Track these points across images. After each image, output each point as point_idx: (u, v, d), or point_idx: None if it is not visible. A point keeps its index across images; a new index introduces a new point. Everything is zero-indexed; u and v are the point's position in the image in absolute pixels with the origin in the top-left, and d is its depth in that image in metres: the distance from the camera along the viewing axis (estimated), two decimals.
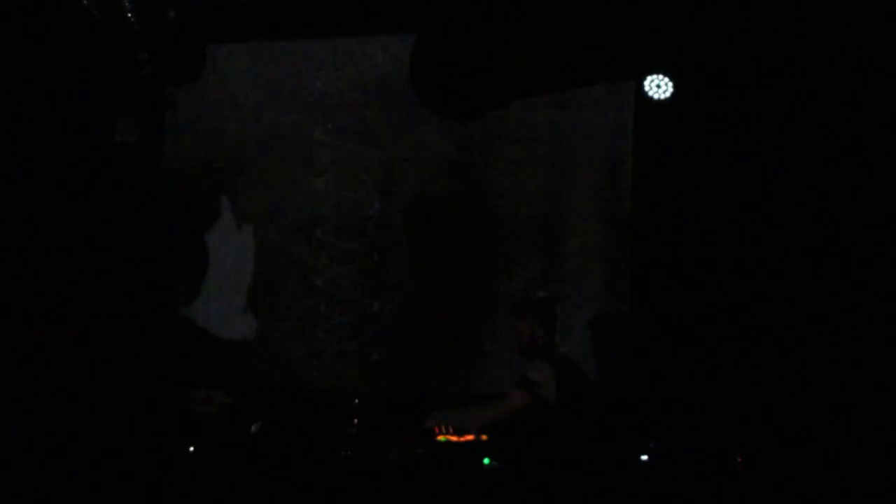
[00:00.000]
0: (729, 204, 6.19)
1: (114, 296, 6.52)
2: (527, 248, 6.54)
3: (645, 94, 6.29)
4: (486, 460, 5.08)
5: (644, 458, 5.71)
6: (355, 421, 5.71)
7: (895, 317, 5.83)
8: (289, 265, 6.71)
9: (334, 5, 6.29)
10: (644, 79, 6.27)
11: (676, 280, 6.23)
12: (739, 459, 5.71)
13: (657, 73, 6.25)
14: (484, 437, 5.14)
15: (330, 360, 6.62)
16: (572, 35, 5.56)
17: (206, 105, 6.76)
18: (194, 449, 5.71)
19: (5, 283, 6.26)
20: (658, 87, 6.26)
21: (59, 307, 6.38)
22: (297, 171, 6.74)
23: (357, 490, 5.27)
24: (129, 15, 5.17)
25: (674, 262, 6.25)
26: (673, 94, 6.25)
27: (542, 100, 6.45)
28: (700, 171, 6.21)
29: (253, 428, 5.82)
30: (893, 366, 5.76)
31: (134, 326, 6.65)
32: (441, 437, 5.17)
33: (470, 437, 5.15)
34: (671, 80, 6.24)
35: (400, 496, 5.15)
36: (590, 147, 6.51)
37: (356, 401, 5.91)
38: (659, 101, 6.27)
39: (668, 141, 6.28)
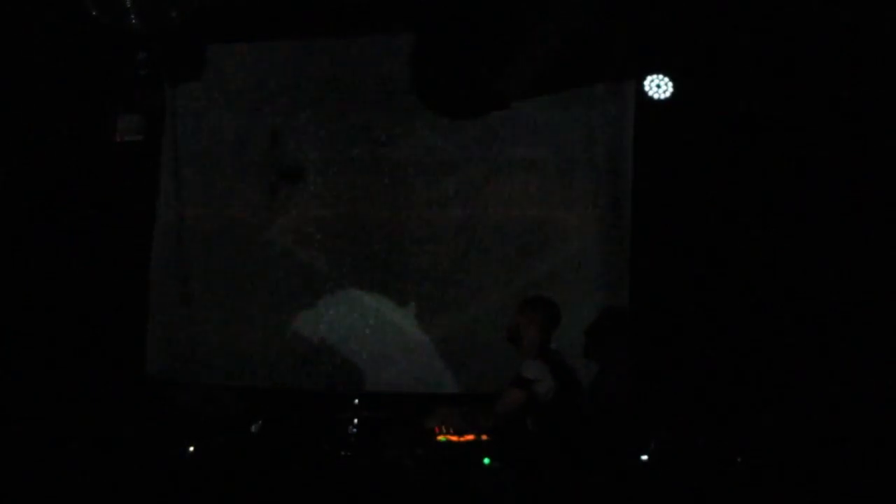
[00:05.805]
0: (729, 204, 6.19)
1: (113, 295, 6.52)
2: (527, 248, 6.53)
3: (645, 94, 6.29)
4: (486, 460, 5.08)
5: (644, 458, 5.71)
6: (355, 421, 5.71)
7: (895, 316, 5.84)
8: (289, 265, 6.71)
9: (334, 5, 6.29)
10: (644, 79, 6.28)
11: (676, 280, 6.23)
12: (739, 459, 5.71)
13: (657, 73, 6.26)
14: (484, 437, 5.14)
15: (330, 361, 6.61)
16: (573, 34, 5.56)
17: (206, 105, 6.76)
18: (194, 449, 5.71)
19: (6, 283, 6.26)
20: (658, 87, 6.26)
21: (60, 306, 6.38)
22: (296, 172, 6.73)
23: (357, 490, 5.27)
24: (130, 15, 5.16)
25: (673, 263, 6.25)
26: (673, 94, 6.25)
27: (542, 100, 6.45)
28: (700, 170, 6.22)
29: (253, 428, 5.82)
30: (893, 365, 5.76)
31: (134, 326, 6.66)
32: (441, 437, 5.16)
33: (470, 437, 5.15)
34: (671, 80, 6.24)
35: (400, 496, 5.14)
36: (590, 147, 6.51)
37: (356, 401, 5.91)
38: (659, 101, 6.27)
39: (667, 141, 6.28)
